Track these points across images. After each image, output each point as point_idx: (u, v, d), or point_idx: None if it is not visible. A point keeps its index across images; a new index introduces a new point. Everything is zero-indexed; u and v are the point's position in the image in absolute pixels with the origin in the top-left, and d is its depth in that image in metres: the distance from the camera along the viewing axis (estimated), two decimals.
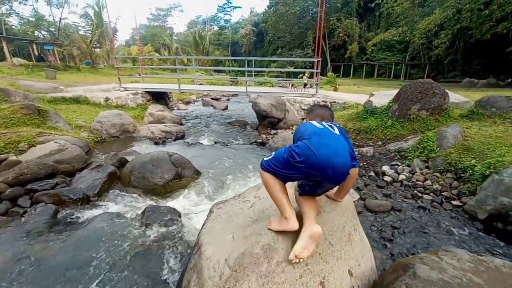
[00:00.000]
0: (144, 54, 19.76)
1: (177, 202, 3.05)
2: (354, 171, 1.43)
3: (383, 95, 5.85)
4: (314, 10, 29.87)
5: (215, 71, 30.79)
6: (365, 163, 4.28)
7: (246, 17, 51.66)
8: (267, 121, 7.15)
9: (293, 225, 1.25)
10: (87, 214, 2.64)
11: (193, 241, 2.27)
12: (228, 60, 34.86)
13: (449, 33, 17.39)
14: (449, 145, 3.63)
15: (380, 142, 4.84)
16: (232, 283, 1.12)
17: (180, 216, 2.58)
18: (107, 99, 7.65)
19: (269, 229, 1.36)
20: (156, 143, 5.59)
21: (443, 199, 3.11)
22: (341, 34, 27.44)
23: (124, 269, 1.91)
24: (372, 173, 3.93)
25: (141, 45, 21.66)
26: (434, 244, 2.36)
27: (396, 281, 1.12)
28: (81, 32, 23.33)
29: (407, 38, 22.58)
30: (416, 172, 3.71)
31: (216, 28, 53.66)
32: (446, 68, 21.18)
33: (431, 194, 3.26)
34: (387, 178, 3.71)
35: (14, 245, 2.11)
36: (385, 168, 3.96)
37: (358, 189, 3.48)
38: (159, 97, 9.32)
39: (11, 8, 25.76)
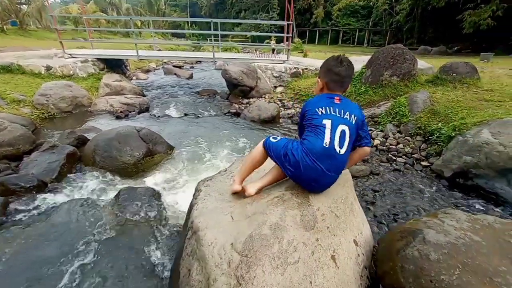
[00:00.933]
0: (89, 14, 16.96)
1: (154, 181, 2.79)
2: (365, 150, 1.43)
3: (354, 60, 5.78)
4: None
5: (174, 35, 28.10)
6: None
7: None
8: (239, 89, 6.82)
9: (236, 187, 1.46)
10: (48, 203, 2.26)
11: (178, 223, 2.11)
12: (188, 23, 31.93)
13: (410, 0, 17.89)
14: (419, 110, 3.83)
15: None
16: (245, 269, 1.01)
17: (159, 196, 2.36)
18: (48, 68, 6.49)
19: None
20: (118, 117, 5.01)
21: (414, 161, 3.33)
22: None
23: (104, 263, 1.71)
24: None
25: (83, 3, 18.50)
26: (410, 204, 2.53)
27: (407, 247, 1.12)
28: None
29: (371, 3, 22.76)
30: (389, 136, 3.89)
31: None
32: (405, 36, 22.14)
33: (404, 157, 3.47)
34: None
35: None
36: None
37: None
38: (115, 66, 8.23)
39: None
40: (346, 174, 1.58)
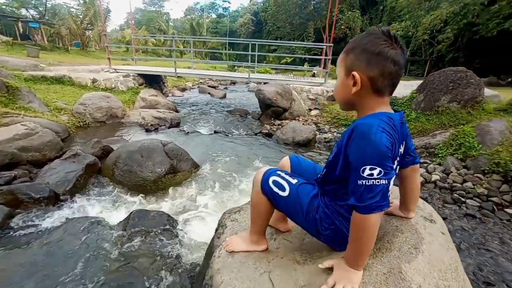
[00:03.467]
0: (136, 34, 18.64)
1: (172, 204, 2.44)
2: (416, 168, 0.93)
3: (403, 85, 5.30)
4: (315, 0, 29.07)
5: (212, 58, 29.71)
6: None
7: (245, 5, 50.08)
8: (271, 110, 6.53)
9: (261, 247, 1.02)
10: (54, 219, 1.99)
11: (194, 261, 1.68)
12: (226, 48, 33.76)
13: (455, 28, 16.97)
14: (494, 142, 3.11)
15: None
16: None
17: (176, 225, 1.97)
18: (94, 81, 6.86)
19: (230, 251, 1.03)
20: (148, 131, 4.92)
21: (494, 206, 2.60)
22: (342, 27, 26.72)
23: None
24: None
25: (135, 28, 20.53)
26: (507, 268, 1.83)
27: None
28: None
29: (410, 33, 22.06)
30: (452, 172, 3.19)
31: (214, 16, 51.97)
32: (446, 66, 20.79)
33: (476, 199, 2.76)
34: None
35: None
36: None
37: None
38: (153, 82, 8.56)
39: None
40: (442, 227, 1.04)
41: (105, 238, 1.77)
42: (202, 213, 2.29)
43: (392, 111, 0.77)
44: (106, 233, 1.81)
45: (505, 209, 2.53)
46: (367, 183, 0.66)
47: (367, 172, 0.65)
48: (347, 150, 0.72)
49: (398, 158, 0.79)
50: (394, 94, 4.44)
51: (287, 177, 0.92)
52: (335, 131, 5.23)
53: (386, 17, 26.48)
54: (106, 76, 7.32)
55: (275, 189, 0.90)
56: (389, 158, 0.66)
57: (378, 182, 0.65)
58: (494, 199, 2.68)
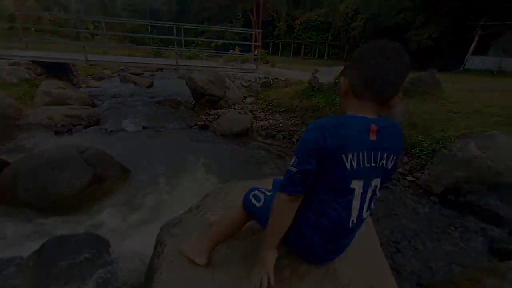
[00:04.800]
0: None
1: (101, 221, 2.12)
2: None
3: (327, 71, 5.80)
4: None
5: (132, 41, 26.42)
6: None
7: None
8: (205, 99, 6.30)
9: (200, 260, 1.03)
10: None
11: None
12: (148, 29, 30.39)
13: (364, 17, 19.42)
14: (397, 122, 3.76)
15: None
16: None
17: (107, 247, 1.73)
18: None
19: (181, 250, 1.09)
20: (58, 133, 4.10)
21: (400, 176, 3.17)
22: (269, 11, 27.25)
23: None
24: None
25: None
26: (408, 227, 2.29)
27: None
28: None
29: (330, 19, 24.21)
30: None
31: None
32: None
33: None
34: None
35: None
36: None
37: None
38: (58, 71, 7.06)
39: None
40: None
41: (9, 281, 1.42)
42: (139, 226, 2.07)
43: (370, 116, 0.74)
44: (11, 274, 1.45)
45: (406, 177, 3.13)
46: (288, 168, 0.78)
47: (292, 159, 0.78)
48: None
49: (363, 164, 0.73)
50: (320, 81, 4.72)
51: (265, 191, 0.99)
52: (270, 118, 5.43)
53: (308, 2, 28.15)
54: None
55: (253, 201, 0.96)
56: (308, 153, 0.73)
57: (292, 169, 0.76)
58: (399, 170, 3.28)
